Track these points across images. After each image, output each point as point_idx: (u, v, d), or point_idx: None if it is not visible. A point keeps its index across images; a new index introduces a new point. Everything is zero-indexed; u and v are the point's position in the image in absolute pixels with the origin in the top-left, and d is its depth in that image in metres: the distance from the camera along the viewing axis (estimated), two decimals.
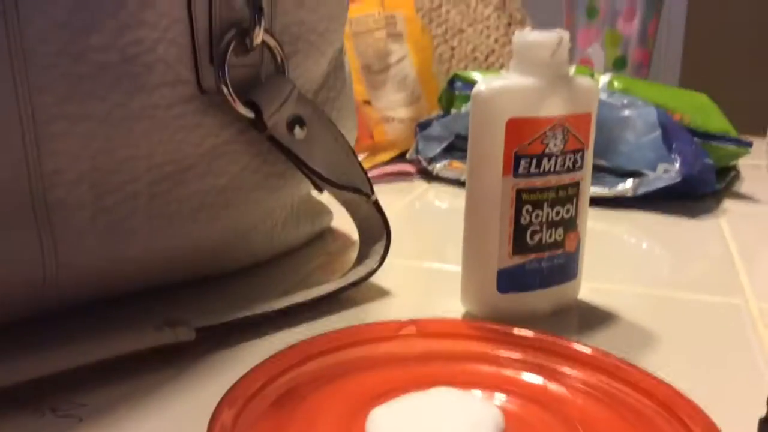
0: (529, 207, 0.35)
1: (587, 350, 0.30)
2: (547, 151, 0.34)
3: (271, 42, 0.37)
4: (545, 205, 0.35)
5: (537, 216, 0.35)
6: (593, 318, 0.38)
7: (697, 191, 0.61)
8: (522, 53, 0.35)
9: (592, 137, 0.36)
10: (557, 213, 0.36)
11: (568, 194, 0.36)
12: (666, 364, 0.33)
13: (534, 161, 0.34)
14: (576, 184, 0.36)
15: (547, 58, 0.34)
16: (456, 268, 0.45)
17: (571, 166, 0.35)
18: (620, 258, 0.48)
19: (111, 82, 0.32)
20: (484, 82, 0.34)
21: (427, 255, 0.48)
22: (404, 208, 0.60)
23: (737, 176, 0.71)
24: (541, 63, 0.34)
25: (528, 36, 0.35)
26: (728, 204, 0.62)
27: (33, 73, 0.29)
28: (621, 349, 0.33)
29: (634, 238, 0.53)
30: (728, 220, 0.57)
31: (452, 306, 0.38)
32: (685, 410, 0.26)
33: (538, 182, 0.35)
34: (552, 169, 0.35)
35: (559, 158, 0.35)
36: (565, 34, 0.35)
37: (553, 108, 0.34)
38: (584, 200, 0.37)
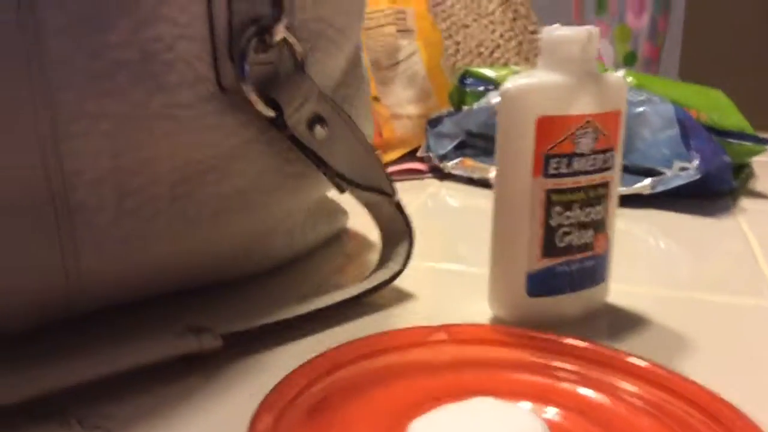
0: (559, 208, 0.34)
1: (626, 358, 0.30)
2: (577, 150, 0.33)
3: (291, 38, 0.36)
4: (575, 206, 0.34)
5: (567, 218, 0.34)
6: (623, 322, 0.37)
7: (715, 189, 0.60)
8: (550, 49, 0.34)
9: (622, 136, 0.35)
10: (587, 214, 0.35)
11: (598, 195, 0.35)
12: (702, 369, 0.32)
13: (564, 161, 0.33)
14: (606, 185, 0.35)
15: (576, 54, 0.34)
16: (477, 269, 0.44)
17: (601, 165, 0.34)
18: (643, 258, 0.48)
19: (130, 81, 0.31)
20: (511, 80, 0.33)
21: (446, 256, 0.47)
22: (418, 208, 0.59)
23: (751, 173, 0.71)
24: (570, 59, 0.34)
25: (556, 31, 0.34)
26: (745, 202, 0.61)
27: (51, 69, 0.28)
28: (655, 353, 0.33)
29: (654, 238, 0.52)
30: (747, 218, 0.56)
31: (479, 309, 0.37)
32: None
33: (568, 183, 0.34)
34: (583, 169, 0.34)
35: (590, 158, 0.34)
36: (594, 30, 0.34)
37: (583, 106, 0.33)
38: (613, 201, 0.36)
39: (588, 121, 0.33)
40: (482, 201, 0.62)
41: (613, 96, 0.34)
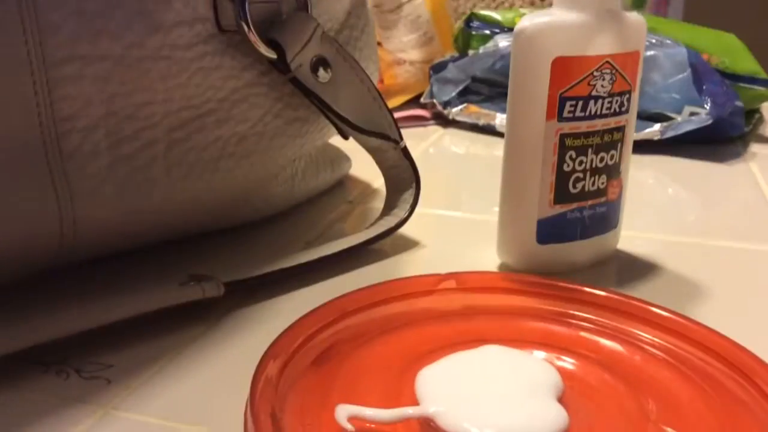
0: (572, 153, 0.33)
1: (644, 306, 0.29)
2: (593, 92, 0.32)
3: None
4: (590, 151, 0.33)
5: (581, 163, 0.33)
6: (633, 269, 0.36)
7: (726, 134, 0.59)
8: None
9: (639, 77, 0.34)
10: (601, 159, 0.34)
11: (613, 139, 0.34)
12: (714, 315, 0.31)
13: (580, 104, 0.32)
14: (621, 129, 0.34)
15: None
16: (483, 217, 0.43)
17: (617, 109, 0.33)
18: (652, 205, 0.47)
19: (125, 20, 0.29)
20: (528, 19, 0.32)
21: (451, 204, 0.46)
22: (421, 156, 0.58)
23: (761, 119, 0.69)
24: None
25: None
26: (756, 147, 0.60)
27: (42, 10, 0.27)
28: (667, 300, 0.32)
29: (664, 184, 0.51)
30: (758, 163, 0.55)
31: (487, 257, 0.37)
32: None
33: (583, 126, 0.33)
34: (598, 113, 0.33)
35: (606, 100, 0.33)
36: None
37: (601, 46, 0.32)
38: (628, 146, 0.35)
39: (606, 62, 0.32)
40: (487, 148, 0.60)
41: (632, 36, 0.33)
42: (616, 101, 0.33)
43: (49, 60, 0.28)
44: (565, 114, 0.32)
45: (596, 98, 0.32)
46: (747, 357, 0.25)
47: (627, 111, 0.34)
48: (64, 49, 0.28)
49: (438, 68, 0.69)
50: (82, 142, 0.29)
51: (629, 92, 0.33)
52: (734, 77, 0.61)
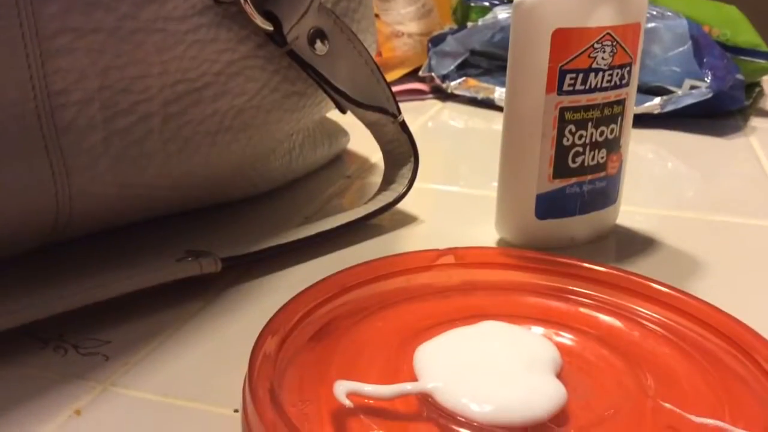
0: (572, 127, 0.32)
1: (644, 281, 0.29)
2: (594, 65, 0.32)
3: None
4: (589, 124, 0.33)
5: (580, 137, 0.33)
6: (632, 244, 0.36)
7: (726, 108, 0.58)
8: None
9: (640, 50, 0.34)
10: (601, 133, 0.33)
11: (614, 113, 0.33)
12: (713, 291, 0.31)
13: (580, 77, 0.32)
14: (622, 102, 0.33)
15: None
16: (482, 192, 0.43)
17: (618, 81, 0.33)
18: (652, 179, 0.46)
19: None
20: None
21: (450, 179, 0.46)
22: (419, 130, 0.57)
23: (762, 92, 0.69)
24: None
25: None
26: (756, 121, 0.59)
27: None
28: (665, 276, 0.32)
29: (663, 159, 0.51)
30: (758, 138, 0.55)
31: (485, 232, 0.36)
32: None
33: (583, 100, 0.32)
34: (599, 86, 0.32)
35: (607, 73, 0.32)
36: None
37: (602, 17, 0.31)
38: (628, 119, 0.35)
39: (607, 34, 0.31)
40: (486, 122, 0.60)
41: (634, 7, 0.32)
42: (617, 74, 0.33)
43: (41, 32, 0.27)
44: (565, 87, 0.32)
45: (597, 71, 0.32)
46: (746, 333, 0.25)
47: (628, 84, 0.33)
48: (57, 21, 0.27)
49: (436, 41, 0.68)
50: (76, 116, 0.29)
51: (630, 65, 0.33)
52: (735, 50, 0.60)
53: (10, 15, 0.26)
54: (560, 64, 0.31)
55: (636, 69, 0.34)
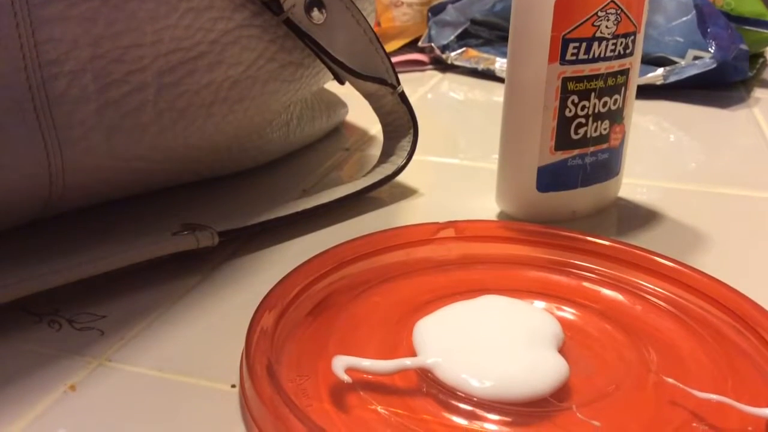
0: (575, 98, 0.32)
1: (648, 255, 0.28)
2: (598, 34, 0.31)
3: None
4: (592, 95, 0.32)
5: (583, 108, 0.32)
6: (634, 217, 0.36)
7: (729, 79, 0.57)
8: None
9: (645, 18, 0.33)
10: (604, 104, 0.33)
11: (617, 83, 0.33)
12: (716, 264, 0.31)
13: (583, 46, 0.31)
14: (625, 72, 0.33)
15: None
16: (482, 164, 0.43)
17: (622, 51, 0.32)
18: (654, 151, 0.46)
19: None
20: None
21: (449, 151, 0.45)
22: (419, 101, 0.56)
23: (765, 63, 0.68)
24: None
25: None
26: (760, 93, 0.59)
27: None
28: (668, 249, 0.31)
29: (666, 130, 0.50)
30: (762, 109, 0.54)
31: (485, 205, 0.36)
32: None
33: (586, 69, 0.31)
34: (602, 55, 0.31)
35: (611, 42, 0.31)
36: None
37: None
38: (632, 90, 0.34)
39: (611, 2, 0.30)
40: (486, 94, 0.59)
41: None
42: (621, 43, 0.32)
43: (31, 0, 0.26)
44: (568, 56, 0.31)
45: (600, 40, 0.31)
46: (749, 306, 0.25)
47: (632, 53, 0.33)
48: None
49: (436, 10, 0.67)
50: (68, 87, 0.28)
51: (634, 34, 0.32)
52: (739, 20, 0.59)
53: None
54: (563, 33, 0.31)
55: (640, 38, 0.33)
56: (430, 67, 0.66)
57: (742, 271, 0.31)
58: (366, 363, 0.22)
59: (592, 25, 0.31)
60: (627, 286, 0.27)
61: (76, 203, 0.32)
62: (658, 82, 0.55)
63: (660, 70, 0.56)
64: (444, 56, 0.64)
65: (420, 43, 0.68)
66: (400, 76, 0.38)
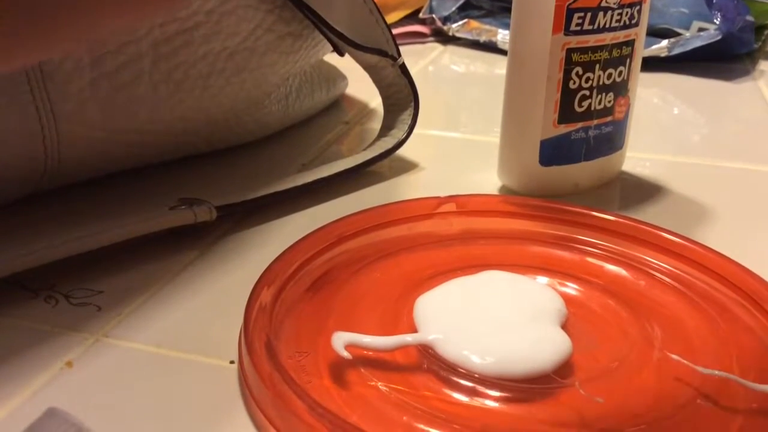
0: (579, 69, 0.31)
1: (653, 230, 0.28)
2: (603, 3, 0.30)
3: None
4: (597, 66, 0.31)
5: (587, 80, 0.32)
6: (638, 191, 0.35)
7: (735, 51, 0.56)
8: None
9: None
10: (609, 76, 0.32)
11: (622, 54, 0.32)
12: (720, 238, 0.30)
13: (588, 16, 0.30)
14: (631, 43, 0.32)
15: None
16: (484, 138, 0.42)
17: (627, 21, 0.31)
18: (658, 125, 0.45)
19: None
20: None
21: (451, 124, 0.45)
22: (419, 74, 0.56)
23: None
24: None
25: None
26: (765, 65, 0.58)
27: None
28: (672, 223, 0.31)
29: (670, 103, 0.49)
30: (767, 82, 0.53)
31: (487, 179, 0.35)
32: None
33: (591, 40, 0.31)
34: (607, 25, 0.31)
35: (616, 12, 0.31)
36: None
37: None
38: (637, 62, 0.33)
39: None
40: (488, 66, 0.58)
41: None
42: (627, 13, 0.31)
43: None
44: (573, 27, 0.30)
45: (606, 9, 0.30)
46: (754, 281, 0.25)
47: (637, 24, 0.32)
48: None
49: None
50: (63, 59, 0.28)
51: (640, 3, 0.32)
52: None
53: None
54: (568, 3, 0.30)
55: (646, 8, 0.32)
56: (431, 39, 0.65)
57: (747, 246, 0.30)
58: (366, 339, 0.21)
59: None
60: (631, 261, 0.27)
61: (72, 177, 0.32)
62: (663, 54, 0.55)
63: (664, 42, 0.55)
64: (445, 28, 0.64)
65: (421, 15, 0.67)
66: (401, 49, 0.37)
